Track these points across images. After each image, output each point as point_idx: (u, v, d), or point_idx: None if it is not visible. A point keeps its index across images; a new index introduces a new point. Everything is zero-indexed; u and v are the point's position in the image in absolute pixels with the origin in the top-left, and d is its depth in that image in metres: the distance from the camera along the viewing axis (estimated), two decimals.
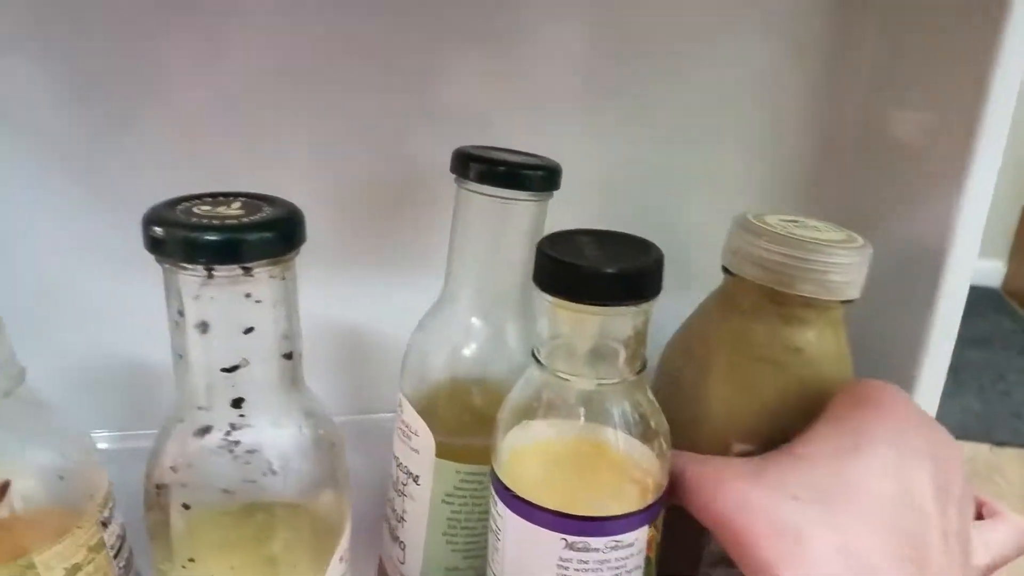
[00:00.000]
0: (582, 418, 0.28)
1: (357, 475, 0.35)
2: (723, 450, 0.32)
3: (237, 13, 0.36)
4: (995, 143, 0.34)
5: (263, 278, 0.23)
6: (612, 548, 0.27)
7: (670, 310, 0.32)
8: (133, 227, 0.22)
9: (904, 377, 0.37)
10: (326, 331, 0.42)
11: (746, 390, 0.32)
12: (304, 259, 0.28)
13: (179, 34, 0.36)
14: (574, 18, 0.39)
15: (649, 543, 0.28)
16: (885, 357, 0.36)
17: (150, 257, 0.24)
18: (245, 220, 0.23)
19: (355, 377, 0.43)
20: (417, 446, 0.34)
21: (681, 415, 0.31)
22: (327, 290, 0.40)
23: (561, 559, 0.27)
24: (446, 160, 0.33)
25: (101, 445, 0.34)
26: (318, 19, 0.36)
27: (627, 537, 0.27)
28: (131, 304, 0.37)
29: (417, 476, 0.34)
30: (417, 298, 0.36)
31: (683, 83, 0.41)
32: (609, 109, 0.41)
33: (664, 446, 0.28)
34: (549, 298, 0.27)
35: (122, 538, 0.28)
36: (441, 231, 0.34)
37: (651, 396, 0.29)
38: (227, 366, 0.24)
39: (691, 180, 0.42)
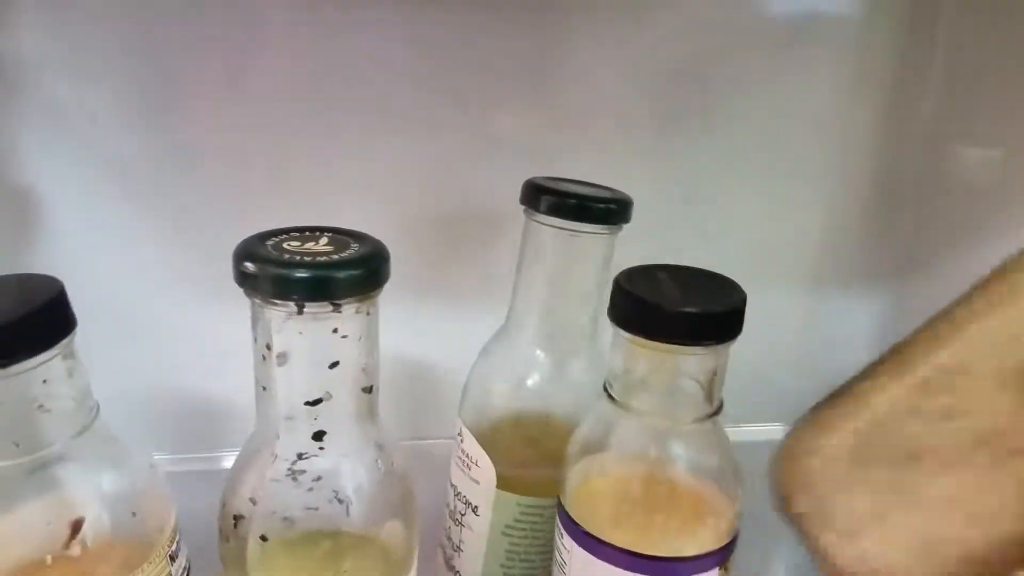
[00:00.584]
0: (655, 456, 0.28)
1: None
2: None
3: (299, 48, 0.36)
4: None
5: (350, 313, 0.23)
6: None
7: None
8: (194, 253, 0.23)
9: None
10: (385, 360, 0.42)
11: None
12: None
13: (243, 65, 0.36)
14: (633, 51, 0.39)
15: None
16: None
17: (210, 284, 0.24)
18: (335, 257, 0.23)
19: (406, 403, 0.43)
20: (477, 476, 0.34)
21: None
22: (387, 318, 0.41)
23: None
24: (504, 191, 0.33)
25: None
26: (376, 56, 0.37)
27: None
28: (187, 330, 0.37)
29: (476, 506, 0.34)
30: (472, 326, 0.36)
31: (744, 115, 0.41)
32: (669, 142, 0.41)
33: (737, 488, 0.28)
34: (626, 335, 0.27)
35: (187, 570, 0.28)
36: (498, 260, 0.34)
37: (726, 436, 0.28)
38: (311, 399, 0.24)
39: (751, 212, 0.42)
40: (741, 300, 0.27)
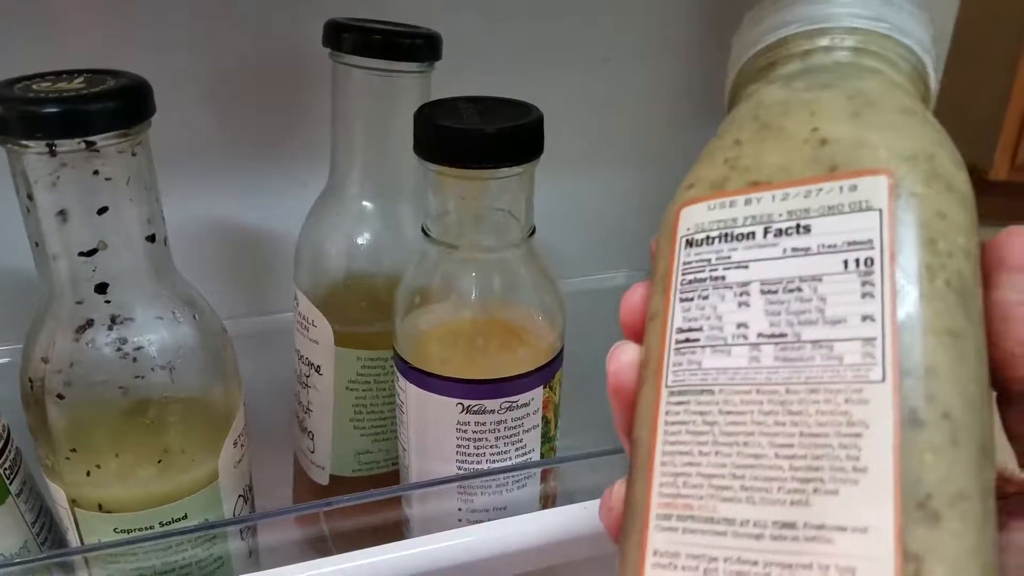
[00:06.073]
0: (474, 287, 0.28)
1: (263, 375, 0.35)
2: None
3: None
4: None
5: (111, 153, 0.22)
6: (507, 409, 0.27)
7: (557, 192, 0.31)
8: None
9: None
10: (217, 234, 0.40)
11: None
12: (186, 164, 0.26)
13: None
14: None
15: (546, 404, 0.28)
16: None
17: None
18: (86, 92, 0.21)
19: (251, 278, 0.42)
20: (316, 337, 0.34)
21: None
22: (212, 192, 0.39)
23: (459, 423, 0.27)
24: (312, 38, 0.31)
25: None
26: None
27: (522, 398, 0.27)
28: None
29: (319, 366, 0.34)
30: (305, 192, 0.34)
31: None
32: None
33: (557, 310, 0.28)
34: (433, 167, 0.27)
35: (5, 439, 0.27)
36: (324, 117, 0.33)
37: (543, 262, 0.29)
38: (85, 250, 0.23)
39: (571, 51, 0.41)
40: (538, 119, 0.26)
